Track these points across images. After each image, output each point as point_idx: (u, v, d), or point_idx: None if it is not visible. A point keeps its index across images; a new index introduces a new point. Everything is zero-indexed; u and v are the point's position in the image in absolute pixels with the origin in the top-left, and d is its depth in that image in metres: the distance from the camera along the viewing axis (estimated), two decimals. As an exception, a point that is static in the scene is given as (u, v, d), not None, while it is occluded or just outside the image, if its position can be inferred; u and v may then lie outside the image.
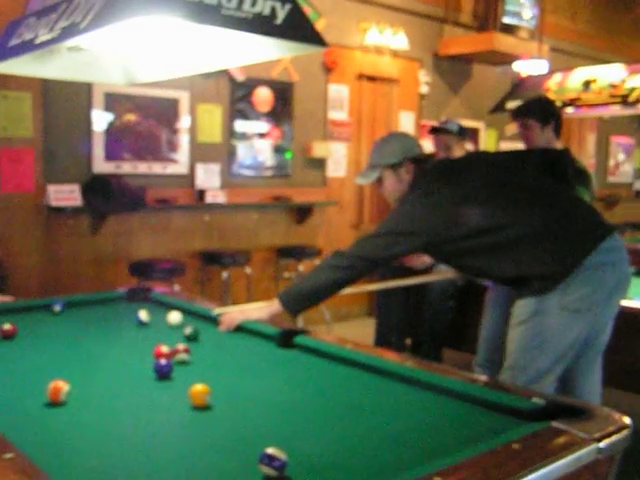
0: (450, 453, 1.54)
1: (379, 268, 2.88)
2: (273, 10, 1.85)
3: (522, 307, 2.67)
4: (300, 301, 2.74)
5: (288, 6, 1.89)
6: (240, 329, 2.77)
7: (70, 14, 1.97)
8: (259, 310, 2.82)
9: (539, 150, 3.63)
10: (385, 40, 7.30)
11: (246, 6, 1.80)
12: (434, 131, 4.73)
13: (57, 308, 3.11)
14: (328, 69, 6.98)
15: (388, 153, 2.89)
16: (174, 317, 2.90)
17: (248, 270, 6.22)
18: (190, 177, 6.16)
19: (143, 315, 2.92)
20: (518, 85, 7.15)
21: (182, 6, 1.71)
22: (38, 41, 2.15)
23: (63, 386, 1.91)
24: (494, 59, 8.20)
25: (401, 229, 2.68)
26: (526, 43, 8.01)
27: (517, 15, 8.11)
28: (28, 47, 2.24)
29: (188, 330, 2.65)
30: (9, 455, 1.45)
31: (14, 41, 2.38)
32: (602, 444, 1.54)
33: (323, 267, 2.75)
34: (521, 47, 7.90)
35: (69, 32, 1.95)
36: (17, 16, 2.69)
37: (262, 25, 1.82)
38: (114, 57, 2.89)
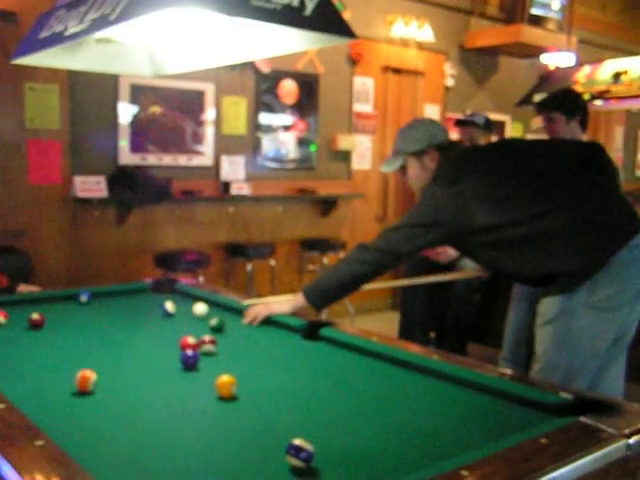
0: (477, 447, 1.53)
1: (403, 261, 2.84)
2: (302, 1, 1.85)
3: (549, 305, 2.61)
4: (324, 295, 2.73)
5: (317, -3, 1.88)
6: (265, 321, 2.78)
7: (100, 6, 1.98)
8: (283, 304, 2.81)
9: (574, 141, 3.56)
10: (411, 32, 7.26)
11: (276, -3, 1.80)
12: (460, 123, 4.70)
13: (84, 298, 3.14)
14: (353, 61, 6.96)
15: (412, 140, 2.83)
16: (200, 308, 2.91)
17: (272, 262, 6.24)
18: (215, 169, 6.18)
19: (169, 306, 2.93)
20: (545, 78, 7.08)
21: (211, -1, 1.71)
22: (68, 33, 2.16)
23: (91, 375, 1.93)
24: (521, 51, 8.12)
25: (424, 221, 2.64)
26: (554, 35, 7.91)
27: (545, 6, 8.01)
28: (58, 39, 2.25)
29: (214, 321, 2.66)
30: (40, 442, 1.47)
31: (44, 33, 2.40)
32: (632, 440, 1.52)
33: (347, 261, 2.74)
34: (549, 39, 7.81)
35: (99, 24, 1.95)
36: (46, 9, 2.70)
37: (291, 16, 1.82)
38: (141, 48, 2.90)
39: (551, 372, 2.60)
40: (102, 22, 1.94)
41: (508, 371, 2.16)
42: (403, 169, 2.88)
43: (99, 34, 2.14)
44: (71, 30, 2.14)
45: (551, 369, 2.60)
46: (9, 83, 4.87)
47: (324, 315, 5.67)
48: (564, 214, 2.53)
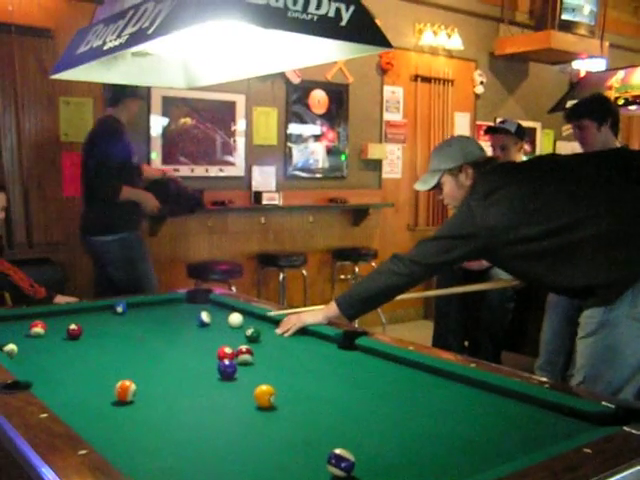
0: (518, 456, 1.52)
1: (437, 273, 2.82)
2: (338, 12, 1.85)
3: (589, 318, 2.56)
4: (357, 305, 2.73)
5: (352, 7, 1.88)
6: (301, 330, 2.78)
7: (137, 20, 2.00)
8: (316, 313, 2.81)
9: (613, 150, 3.50)
10: (440, 40, 7.25)
11: (311, 8, 1.80)
12: (491, 131, 4.67)
13: (120, 309, 3.17)
14: (383, 70, 6.97)
15: (447, 157, 2.82)
16: (235, 318, 2.93)
17: (304, 272, 6.24)
18: (246, 179, 6.21)
19: (205, 316, 2.95)
20: (577, 83, 7.02)
21: (249, 10, 1.71)
22: (106, 47, 2.19)
23: (130, 385, 1.94)
24: (552, 57, 8.05)
25: (458, 232, 2.63)
26: (586, 40, 7.82)
27: (576, 11, 7.91)
28: (96, 54, 2.28)
29: (249, 331, 2.67)
30: (83, 452, 1.48)
31: (82, 48, 2.43)
32: (678, 450, 1.50)
33: (381, 272, 2.73)
34: (580, 44, 7.74)
35: (137, 38, 1.98)
36: (81, 25, 2.75)
37: (328, 27, 1.82)
38: (176, 61, 2.93)
39: (592, 386, 2.55)
40: (140, 36, 1.96)
41: (547, 380, 2.14)
42: (439, 187, 2.86)
43: (136, 48, 2.17)
44: (109, 44, 2.17)
45: (592, 383, 2.55)
46: (45, 97, 4.95)
47: (355, 324, 5.66)
48: (596, 225, 2.50)
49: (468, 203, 2.66)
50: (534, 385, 2.01)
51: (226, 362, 2.18)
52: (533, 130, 8.43)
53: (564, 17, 7.85)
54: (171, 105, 5.75)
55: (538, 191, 2.59)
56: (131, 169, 4.48)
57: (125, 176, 4.36)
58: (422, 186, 2.93)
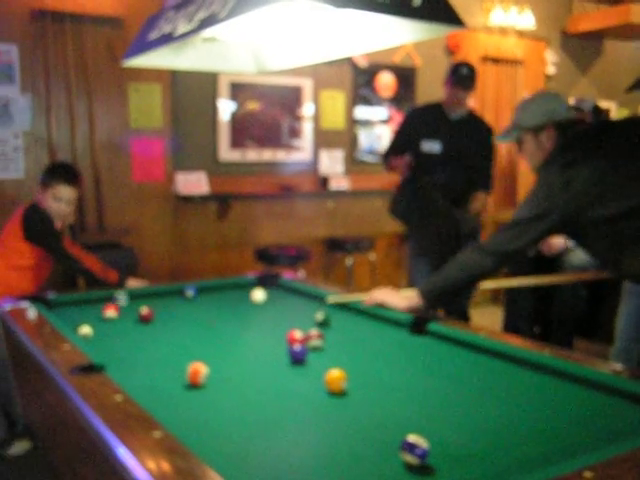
0: (598, 447, 1.47)
1: (519, 257, 2.71)
2: (410, -8, 1.82)
3: None
4: (440, 296, 2.68)
5: (425, -14, 1.84)
6: (371, 315, 2.77)
7: (209, 5, 2.00)
8: (401, 300, 2.75)
9: None
10: (510, 20, 7.08)
11: (384, -12, 1.77)
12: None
13: (190, 293, 3.20)
14: (451, 52, 6.85)
15: (529, 114, 2.67)
16: (258, 295, 3.08)
17: (372, 256, 6.22)
18: (313, 164, 6.20)
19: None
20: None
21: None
22: (177, 33, 2.20)
23: (202, 369, 1.96)
24: (629, 33, 7.72)
25: (536, 212, 2.50)
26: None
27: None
28: (167, 39, 2.30)
29: (320, 316, 2.67)
30: (158, 434, 1.50)
31: (153, 35, 2.45)
32: None
33: (461, 262, 2.65)
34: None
35: (208, 22, 1.98)
36: (151, 13, 2.77)
37: (400, 7, 1.79)
38: (245, 46, 2.93)
39: None
40: (211, 20, 1.96)
41: (626, 368, 2.07)
42: (519, 143, 2.73)
43: (207, 33, 2.17)
44: (180, 30, 2.18)
45: None
46: (115, 85, 5.02)
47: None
48: None
49: (545, 178, 2.53)
50: (611, 373, 1.95)
51: (297, 347, 2.18)
52: (608, 109, 8.17)
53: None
54: (238, 90, 5.78)
55: (621, 167, 2.42)
56: None
57: None
58: (501, 139, 2.84)
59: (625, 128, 2.69)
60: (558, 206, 2.45)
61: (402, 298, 2.76)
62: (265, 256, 5.53)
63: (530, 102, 2.75)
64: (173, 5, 2.40)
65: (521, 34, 7.30)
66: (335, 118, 6.30)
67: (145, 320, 2.75)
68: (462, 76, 4.33)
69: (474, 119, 4.53)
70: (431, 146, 4.37)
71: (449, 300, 2.73)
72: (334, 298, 2.96)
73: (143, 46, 2.52)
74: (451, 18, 1.88)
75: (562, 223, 2.49)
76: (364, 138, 6.49)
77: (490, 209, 7.26)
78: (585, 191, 2.42)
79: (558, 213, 2.46)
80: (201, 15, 2.04)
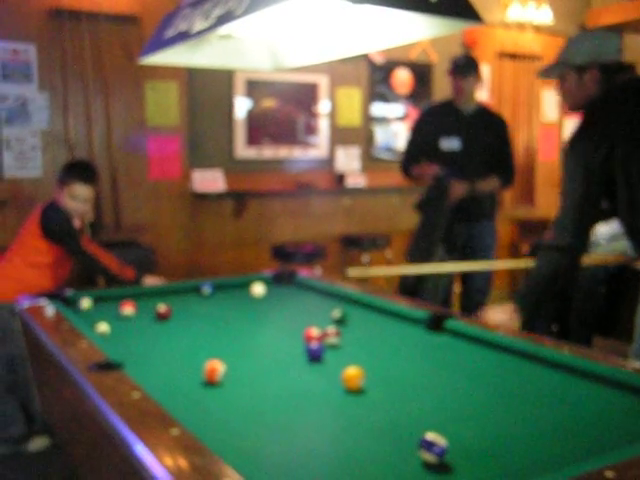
0: (619, 446, 1.46)
1: (586, 237, 2.57)
2: (429, -14, 1.80)
3: None
4: (534, 304, 2.71)
5: (443, -19, 1.83)
6: (388, 312, 2.76)
7: (226, 2, 2.00)
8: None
9: None
10: (527, 15, 7.04)
11: (401, -17, 1.76)
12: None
13: (207, 290, 3.21)
14: (468, 48, 6.81)
15: (576, 51, 2.53)
16: (258, 289, 3.12)
17: (388, 253, 6.20)
18: (330, 161, 6.20)
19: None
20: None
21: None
22: (194, 30, 2.20)
23: (219, 367, 1.96)
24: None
25: (578, 180, 2.41)
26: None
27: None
28: (184, 37, 2.30)
29: (336, 313, 2.66)
30: (175, 431, 1.50)
31: (169, 32, 2.45)
32: None
33: (541, 269, 2.63)
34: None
35: (224, 19, 1.98)
36: (167, 12, 2.77)
37: (418, 3, 1.78)
38: (261, 43, 2.93)
39: None
40: (228, 17, 1.95)
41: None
42: (561, 80, 2.62)
43: (223, 30, 2.17)
44: (197, 27, 2.18)
45: None
46: (131, 83, 5.05)
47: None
48: None
49: (571, 144, 2.46)
50: (632, 372, 1.93)
51: (314, 344, 2.18)
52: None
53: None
54: (254, 88, 5.78)
55: None
56: None
57: None
58: (542, 75, 2.72)
59: None
60: (595, 167, 2.39)
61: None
62: (281, 253, 5.54)
63: (580, 38, 2.60)
64: (189, 2, 2.40)
65: (539, 29, 7.24)
66: (351, 115, 6.29)
67: (163, 317, 2.75)
68: (459, 65, 4.35)
69: (487, 113, 4.53)
70: (450, 143, 4.36)
71: (546, 302, 2.75)
72: (354, 272, 2.95)
73: (159, 44, 2.52)
74: (469, 14, 1.86)
75: (602, 181, 2.41)
76: (380, 135, 6.47)
77: (507, 206, 7.22)
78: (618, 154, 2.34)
79: (597, 173, 2.39)
80: (218, 12, 2.03)
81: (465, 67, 4.33)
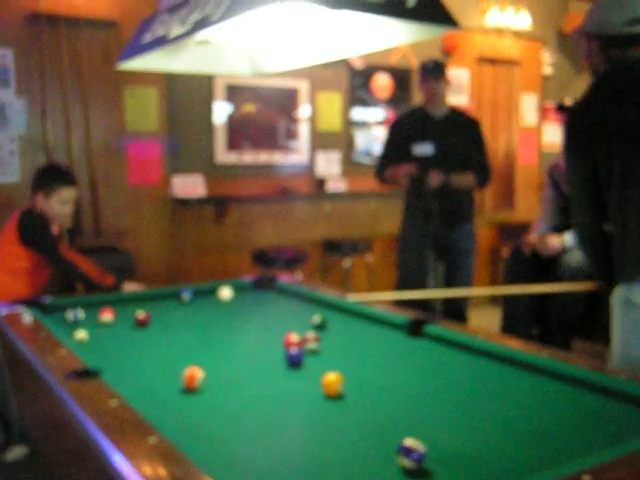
0: (598, 450, 1.46)
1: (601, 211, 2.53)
2: (404, -7, 1.81)
3: None
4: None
5: (419, -12, 1.84)
6: (368, 317, 2.76)
7: (203, 7, 1.99)
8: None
9: None
10: (506, 20, 7.09)
11: (378, -11, 1.77)
12: (563, 109, 4.53)
13: (187, 297, 3.19)
14: (447, 53, 6.85)
15: (589, 17, 2.41)
16: (225, 293, 3.16)
17: (369, 258, 6.21)
18: (310, 166, 6.20)
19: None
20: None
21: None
22: (171, 36, 2.19)
23: (198, 374, 1.95)
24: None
25: (576, 171, 2.38)
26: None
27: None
28: (161, 42, 2.29)
29: (316, 319, 2.66)
30: (153, 439, 1.49)
31: (147, 37, 2.44)
32: None
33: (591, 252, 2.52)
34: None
35: (201, 25, 1.97)
36: (146, 16, 2.76)
37: (394, 8, 1.78)
38: (240, 49, 2.92)
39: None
40: (205, 23, 1.95)
41: (624, 370, 2.06)
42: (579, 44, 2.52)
43: (201, 35, 2.16)
44: (174, 32, 2.17)
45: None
46: (110, 88, 5.01)
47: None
48: None
49: (566, 130, 2.42)
50: (610, 376, 1.94)
51: (293, 350, 2.17)
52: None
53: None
54: (234, 93, 5.78)
55: None
56: None
57: None
58: (572, 35, 2.59)
59: None
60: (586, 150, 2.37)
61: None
62: (262, 258, 5.53)
63: (601, 3, 2.45)
64: (167, 8, 2.39)
65: (517, 34, 7.30)
66: (331, 120, 6.29)
67: (141, 324, 2.73)
68: (428, 68, 4.41)
69: (459, 115, 4.58)
70: (423, 148, 4.40)
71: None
72: (354, 297, 2.97)
73: (137, 49, 2.51)
74: (445, 19, 1.87)
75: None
76: (361, 140, 6.48)
77: (488, 209, 7.26)
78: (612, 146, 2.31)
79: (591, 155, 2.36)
80: (195, 17, 2.03)
81: (436, 70, 4.39)
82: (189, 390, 1.94)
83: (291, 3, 1.70)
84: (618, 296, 2.43)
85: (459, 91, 7.00)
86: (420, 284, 4.43)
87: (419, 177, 4.35)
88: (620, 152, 2.31)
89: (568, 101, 5.16)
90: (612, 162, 2.33)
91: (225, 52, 2.87)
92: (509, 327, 4.52)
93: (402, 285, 4.52)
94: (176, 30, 2.16)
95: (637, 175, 2.31)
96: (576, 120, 2.44)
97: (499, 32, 7.17)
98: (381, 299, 2.91)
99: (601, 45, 2.37)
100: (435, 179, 4.30)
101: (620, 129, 2.31)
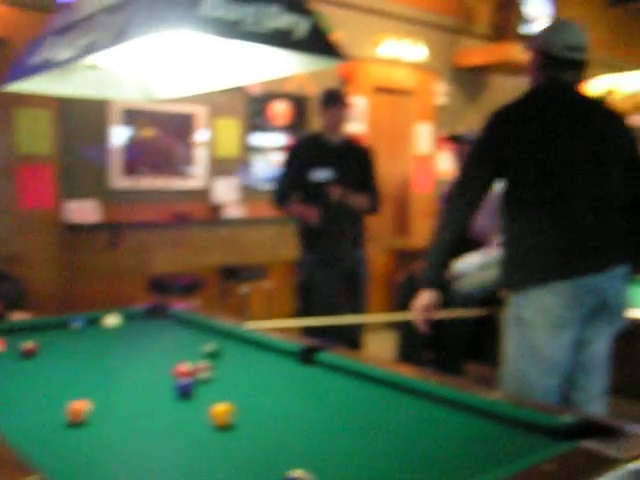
0: (478, 474, 1.50)
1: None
2: (293, 25, 1.84)
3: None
4: (441, 272, 2.78)
5: (308, 21, 1.87)
6: (261, 345, 2.75)
7: (92, 32, 1.96)
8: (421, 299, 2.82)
9: None
10: (401, 52, 7.29)
11: (266, 21, 1.79)
12: (455, 139, 4.69)
13: (77, 325, 3.10)
14: (344, 82, 6.97)
15: (539, 35, 2.69)
16: (111, 320, 3.11)
17: (267, 284, 6.20)
18: (207, 192, 6.16)
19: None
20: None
21: (203, 22, 1.69)
22: (58, 59, 2.15)
23: (83, 406, 1.89)
24: (510, 69, 8.13)
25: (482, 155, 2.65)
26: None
27: (533, 25, 8.05)
28: (48, 65, 2.23)
29: (209, 347, 2.63)
30: (34, 479, 1.43)
31: (34, 59, 2.38)
32: (637, 465, 1.49)
33: (442, 229, 2.74)
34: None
35: (90, 49, 1.94)
36: (36, 34, 2.69)
37: (282, 39, 1.81)
38: (132, 74, 2.89)
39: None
40: (93, 47, 1.92)
41: (506, 393, 2.12)
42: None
43: (89, 60, 2.12)
44: (61, 56, 2.13)
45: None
46: (0, 110, 4.85)
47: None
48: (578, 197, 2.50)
49: (488, 126, 2.67)
50: (493, 400, 1.99)
51: (183, 380, 2.14)
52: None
53: (522, 30, 7.95)
54: (132, 116, 5.70)
55: (559, 147, 2.53)
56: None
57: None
58: (524, 46, 2.90)
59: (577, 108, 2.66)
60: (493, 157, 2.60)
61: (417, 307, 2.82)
62: (159, 285, 5.44)
63: (550, 25, 2.73)
64: (55, 30, 2.34)
65: (412, 66, 7.51)
66: (230, 146, 6.29)
67: (28, 355, 2.63)
68: (334, 95, 4.56)
69: (352, 144, 4.71)
70: (321, 174, 4.48)
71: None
72: (251, 325, 2.96)
73: (23, 71, 2.44)
74: (332, 52, 1.92)
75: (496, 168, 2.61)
76: (259, 166, 6.50)
77: (383, 236, 7.39)
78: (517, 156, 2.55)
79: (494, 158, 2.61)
80: (83, 42, 1.99)
81: (339, 97, 4.49)
82: (74, 424, 1.88)
83: (179, 32, 1.69)
84: (509, 312, 2.55)
85: (356, 119, 7.12)
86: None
87: (321, 202, 4.43)
88: (509, 166, 2.56)
89: (461, 131, 5.35)
90: (506, 170, 2.56)
91: (117, 77, 2.83)
92: (405, 352, 4.60)
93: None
94: (64, 53, 2.11)
95: (517, 190, 2.54)
96: (497, 120, 2.69)
97: (395, 62, 7.36)
98: (278, 326, 2.91)
99: (543, 62, 2.62)
100: (335, 192, 4.38)
101: (517, 146, 2.56)
